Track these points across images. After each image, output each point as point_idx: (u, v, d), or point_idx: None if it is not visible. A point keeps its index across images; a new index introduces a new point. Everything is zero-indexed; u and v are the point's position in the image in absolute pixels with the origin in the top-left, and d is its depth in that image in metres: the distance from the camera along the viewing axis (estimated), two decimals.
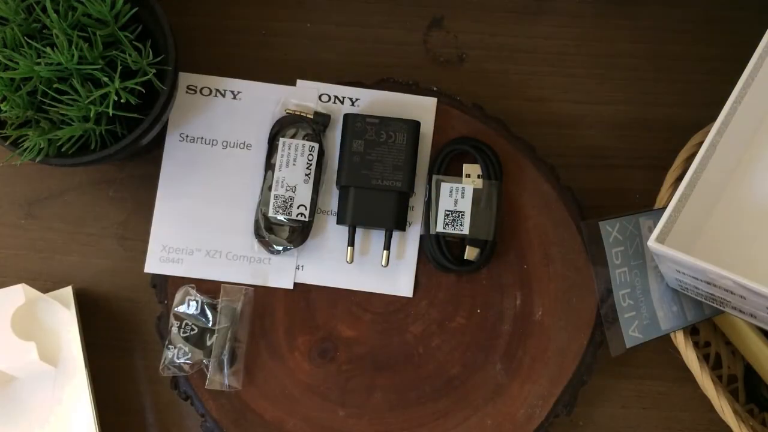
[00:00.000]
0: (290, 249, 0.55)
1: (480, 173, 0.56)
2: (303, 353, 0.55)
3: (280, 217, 0.55)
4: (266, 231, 0.55)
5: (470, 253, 0.55)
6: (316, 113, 0.56)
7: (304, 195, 0.55)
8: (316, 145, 0.55)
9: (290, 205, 0.55)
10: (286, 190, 0.55)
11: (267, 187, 0.55)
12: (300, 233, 0.55)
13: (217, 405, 0.54)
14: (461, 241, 0.56)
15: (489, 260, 0.56)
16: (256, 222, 0.56)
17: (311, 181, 0.55)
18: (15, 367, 0.52)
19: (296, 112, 0.56)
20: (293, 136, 0.56)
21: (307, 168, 0.55)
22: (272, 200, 0.55)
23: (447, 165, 0.56)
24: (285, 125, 0.56)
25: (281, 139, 0.55)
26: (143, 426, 0.56)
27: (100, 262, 0.57)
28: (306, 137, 0.56)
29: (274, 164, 0.55)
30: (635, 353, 0.50)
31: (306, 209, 0.55)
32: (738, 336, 0.55)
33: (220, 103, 0.58)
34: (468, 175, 0.56)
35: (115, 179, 0.58)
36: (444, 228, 0.55)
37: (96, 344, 0.56)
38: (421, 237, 0.56)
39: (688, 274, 0.47)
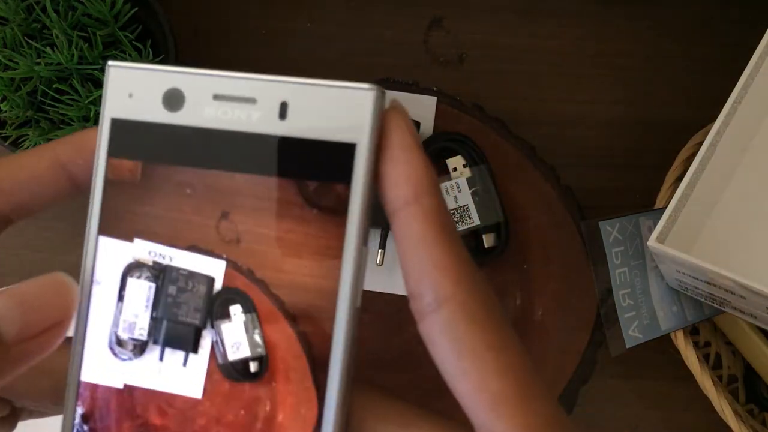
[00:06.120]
0: None
1: (464, 163, 0.56)
2: None
3: None
4: None
5: (488, 240, 0.55)
6: None
7: None
8: None
9: None
10: None
11: None
12: None
13: None
14: (473, 234, 0.56)
15: (508, 240, 0.56)
16: None
17: None
18: None
19: None
20: None
21: None
22: None
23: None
24: None
25: None
26: None
27: None
28: None
29: None
30: (635, 353, 0.50)
31: None
32: (738, 336, 0.55)
33: None
34: (455, 169, 0.56)
35: None
36: (457, 228, 0.55)
37: None
38: None
39: (688, 274, 0.47)
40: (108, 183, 0.22)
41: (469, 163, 0.56)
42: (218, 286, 0.22)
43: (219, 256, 0.22)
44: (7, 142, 0.49)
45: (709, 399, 0.50)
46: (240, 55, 0.59)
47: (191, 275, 0.22)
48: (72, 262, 0.57)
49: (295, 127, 0.21)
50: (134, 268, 0.22)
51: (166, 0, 0.51)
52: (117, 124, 0.22)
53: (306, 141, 0.21)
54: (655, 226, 0.46)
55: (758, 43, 0.48)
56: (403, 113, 0.21)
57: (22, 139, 0.49)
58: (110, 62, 0.22)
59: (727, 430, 0.50)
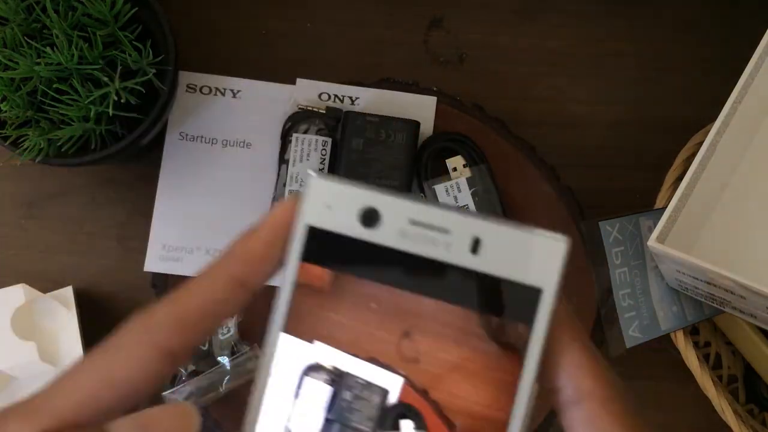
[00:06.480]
0: None
1: (464, 163, 0.56)
2: None
3: None
4: None
5: None
6: (328, 108, 0.56)
7: None
8: (329, 140, 0.55)
9: None
10: (301, 185, 0.55)
11: (281, 183, 0.55)
12: None
13: (217, 405, 0.54)
14: None
15: None
16: None
17: None
18: (15, 367, 0.52)
19: (308, 108, 0.56)
20: (306, 132, 0.56)
21: (321, 163, 0.55)
22: (287, 196, 0.55)
23: (431, 169, 0.56)
24: (297, 121, 0.56)
25: (294, 135, 0.55)
26: None
27: (100, 262, 0.57)
28: (318, 132, 0.56)
29: (288, 160, 0.55)
30: (635, 353, 0.50)
31: None
32: (738, 336, 0.55)
33: (219, 101, 0.58)
34: (455, 169, 0.56)
35: (115, 179, 0.58)
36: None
37: (96, 344, 0.55)
38: None
39: (688, 274, 0.47)
40: (296, 285, 0.23)
41: (469, 163, 0.56)
42: (392, 399, 0.22)
43: (397, 372, 0.22)
44: (7, 142, 0.49)
45: (709, 399, 0.50)
46: (240, 55, 0.59)
47: (368, 385, 0.22)
48: (72, 262, 0.57)
49: (485, 263, 0.22)
50: (313, 369, 0.23)
51: (166, 0, 0.51)
52: (312, 231, 0.23)
53: (494, 278, 0.22)
54: (655, 226, 0.46)
55: (758, 43, 0.48)
56: (573, 315, 0.23)
57: (22, 139, 0.49)
58: (312, 172, 0.23)
59: (727, 430, 0.50)
